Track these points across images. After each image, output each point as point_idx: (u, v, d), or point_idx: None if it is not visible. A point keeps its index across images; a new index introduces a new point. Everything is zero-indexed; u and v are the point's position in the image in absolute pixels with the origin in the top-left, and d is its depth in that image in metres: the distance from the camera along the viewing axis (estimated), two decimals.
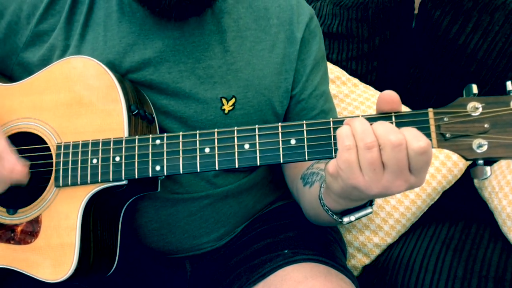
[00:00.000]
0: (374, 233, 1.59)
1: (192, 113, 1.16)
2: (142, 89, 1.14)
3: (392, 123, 0.86)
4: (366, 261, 1.60)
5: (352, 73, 1.93)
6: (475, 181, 1.64)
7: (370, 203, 0.99)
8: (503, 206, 1.46)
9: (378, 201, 1.59)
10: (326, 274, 1.08)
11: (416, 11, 1.96)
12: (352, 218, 0.98)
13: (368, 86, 1.85)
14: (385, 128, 0.82)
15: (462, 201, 1.70)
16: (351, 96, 1.78)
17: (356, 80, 1.85)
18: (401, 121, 0.86)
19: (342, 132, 0.84)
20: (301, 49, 1.24)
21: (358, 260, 1.61)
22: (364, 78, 1.93)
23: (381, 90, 1.82)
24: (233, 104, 1.18)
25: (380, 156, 0.82)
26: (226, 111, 1.18)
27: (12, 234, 1.05)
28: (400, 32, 1.94)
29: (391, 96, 0.87)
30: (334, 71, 1.84)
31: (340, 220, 0.99)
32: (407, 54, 1.95)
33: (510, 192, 1.46)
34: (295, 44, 1.23)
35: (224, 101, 1.17)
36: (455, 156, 1.60)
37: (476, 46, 1.77)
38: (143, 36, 1.15)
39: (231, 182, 1.25)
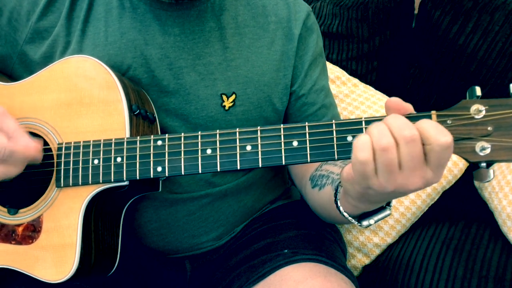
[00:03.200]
0: (374, 233, 1.59)
1: (193, 109, 1.16)
2: (143, 86, 1.15)
3: None
4: (366, 261, 1.60)
5: (352, 73, 1.93)
6: (476, 182, 1.64)
7: (388, 203, 0.98)
8: (503, 206, 1.46)
9: None
10: (326, 274, 1.08)
11: (416, 11, 1.96)
12: (372, 221, 0.97)
13: (368, 86, 1.85)
14: (399, 123, 0.81)
15: (462, 201, 1.70)
16: (351, 96, 1.78)
17: (356, 80, 1.85)
18: None
19: (358, 142, 0.82)
20: (298, 45, 1.25)
21: (358, 260, 1.61)
22: (364, 78, 1.93)
23: (381, 90, 1.82)
24: (233, 101, 1.18)
25: (396, 156, 0.81)
26: (226, 108, 1.18)
27: (13, 234, 1.05)
28: (400, 32, 1.93)
29: (396, 103, 0.86)
30: (334, 71, 1.84)
31: (359, 224, 0.98)
32: (407, 54, 1.95)
33: (510, 192, 1.46)
34: (293, 41, 1.24)
35: (224, 97, 1.17)
36: (455, 156, 1.60)
37: (476, 46, 1.77)
38: (144, 32, 1.15)
39: (230, 181, 1.25)
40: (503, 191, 1.48)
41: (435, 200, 1.62)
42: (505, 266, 1.35)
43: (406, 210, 1.58)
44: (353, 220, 0.98)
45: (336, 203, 1.00)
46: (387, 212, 0.96)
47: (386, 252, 1.58)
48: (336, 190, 1.01)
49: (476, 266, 1.36)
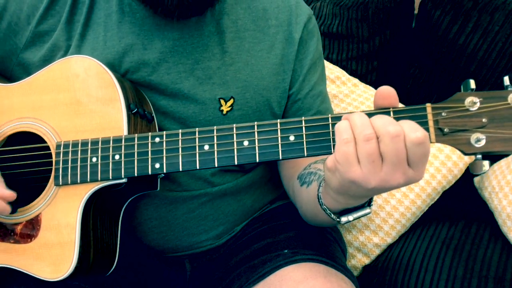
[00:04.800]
0: (374, 233, 1.59)
1: (191, 113, 1.16)
2: (141, 89, 1.15)
3: None
4: (366, 261, 1.60)
5: (352, 73, 1.93)
6: (475, 181, 1.64)
7: (369, 203, 0.99)
8: (503, 206, 1.46)
9: (378, 201, 1.59)
10: (326, 274, 1.08)
11: (416, 11, 1.97)
12: (350, 218, 0.98)
13: (368, 86, 1.85)
14: (384, 120, 0.82)
15: (462, 201, 1.70)
16: (351, 96, 1.78)
17: (356, 80, 1.85)
18: (399, 116, 0.86)
19: (340, 126, 0.85)
20: (299, 49, 1.25)
21: (358, 260, 1.61)
22: (364, 78, 1.94)
23: None
24: (231, 105, 1.18)
25: (378, 148, 0.82)
26: (224, 112, 1.18)
27: (12, 233, 1.05)
28: (400, 32, 1.94)
29: (388, 91, 0.87)
30: (334, 71, 1.84)
31: (338, 219, 0.99)
32: (407, 54, 1.95)
33: (510, 192, 1.46)
34: (293, 44, 1.24)
35: (222, 102, 1.17)
36: (455, 156, 1.60)
37: (476, 46, 1.77)
38: (142, 37, 1.15)
39: (229, 181, 1.25)
40: (503, 191, 1.48)
41: (435, 200, 1.62)
42: (505, 266, 1.35)
43: (406, 210, 1.57)
44: (332, 215, 0.99)
45: (319, 197, 1.00)
46: (367, 210, 0.98)
47: (386, 252, 1.58)
48: (320, 184, 1.01)
49: (476, 266, 1.36)
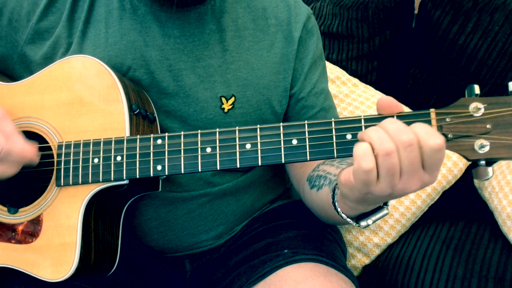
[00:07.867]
0: (374, 233, 1.59)
1: (192, 112, 1.16)
2: (143, 87, 1.15)
3: None
4: (366, 261, 1.60)
5: (352, 73, 1.93)
6: (475, 181, 1.64)
7: (385, 203, 0.97)
8: (503, 206, 1.46)
9: None
10: (326, 274, 1.08)
11: (416, 11, 1.97)
12: (370, 221, 0.96)
13: (368, 86, 1.85)
14: (395, 127, 0.81)
15: (462, 201, 1.70)
16: (351, 96, 1.78)
17: (356, 80, 1.85)
18: (403, 122, 0.84)
19: (360, 152, 0.82)
20: (298, 48, 1.25)
21: (358, 260, 1.61)
22: (364, 78, 1.94)
23: (381, 90, 1.82)
24: (233, 103, 1.18)
25: (399, 161, 0.81)
26: (225, 110, 1.18)
27: (13, 234, 1.05)
28: (400, 32, 1.94)
29: (389, 101, 0.87)
30: (334, 71, 1.84)
31: (357, 225, 0.98)
32: (407, 54, 1.95)
33: (510, 192, 1.46)
34: (293, 43, 1.24)
35: (223, 100, 1.17)
36: (455, 156, 1.60)
37: (476, 46, 1.77)
38: (144, 34, 1.15)
39: (229, 180, 1.25)
40: (503, 191, 1.48)
41: (435, 200, 1.62)
42: (505, 266, 1.35)
43: (406, 210, 1.58)
44: (351, 222, 0.98)
45: (334, 205, 0.99)
46: (384, 211, 0.96)
47: (386, 252, 1.58)
48: (334, 192, 1.00)
49: (476, 266, 1.36)
